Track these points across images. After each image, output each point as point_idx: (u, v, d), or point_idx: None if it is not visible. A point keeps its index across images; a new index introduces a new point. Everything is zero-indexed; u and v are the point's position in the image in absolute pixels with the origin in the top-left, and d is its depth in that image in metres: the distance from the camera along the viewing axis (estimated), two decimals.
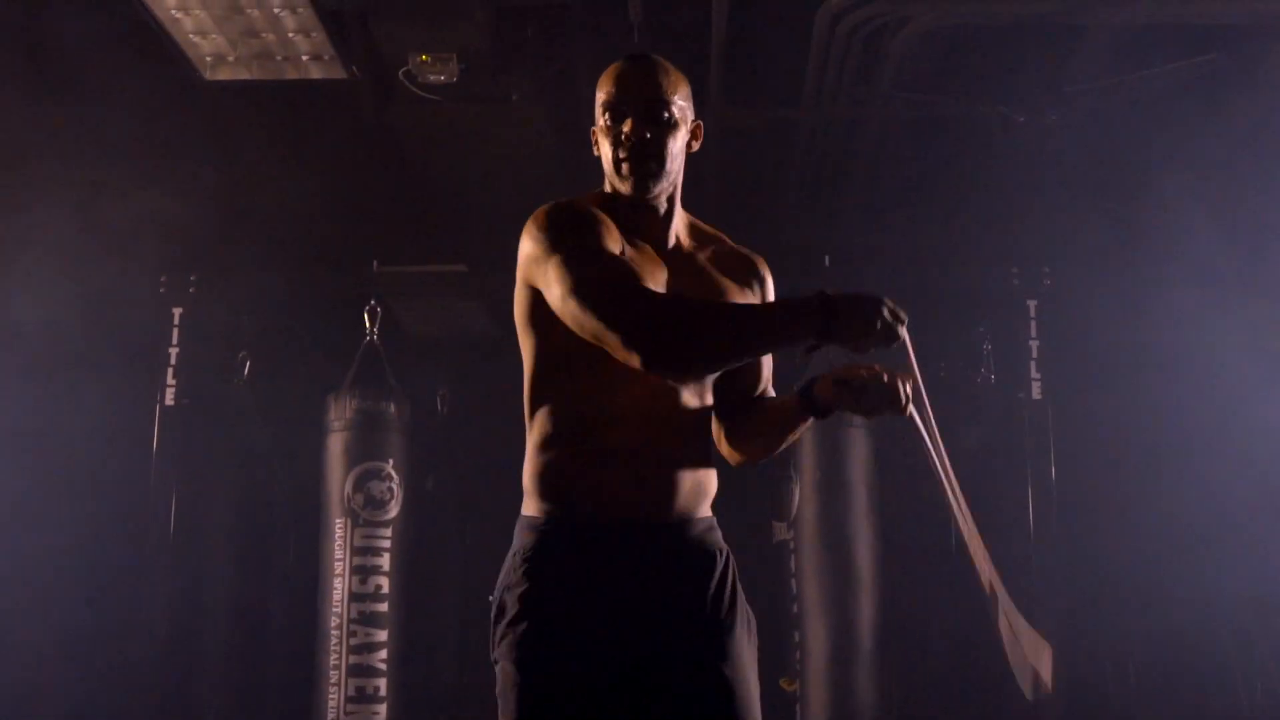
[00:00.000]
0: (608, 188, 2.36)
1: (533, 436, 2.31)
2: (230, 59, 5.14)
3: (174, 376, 6.37)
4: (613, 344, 2.05)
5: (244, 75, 5.23)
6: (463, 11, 5.02)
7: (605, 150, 2.32)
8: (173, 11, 4.77)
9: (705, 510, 2.33)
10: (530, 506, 2.31)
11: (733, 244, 2.49)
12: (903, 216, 6.51)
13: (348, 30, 5.07)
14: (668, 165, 2.28)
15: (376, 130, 5.83)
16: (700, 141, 2.39)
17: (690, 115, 2.35)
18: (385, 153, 6.12)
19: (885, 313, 2.05)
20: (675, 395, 2.27)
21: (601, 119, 2.32)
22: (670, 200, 2.35)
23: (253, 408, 6.57)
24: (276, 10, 4.78)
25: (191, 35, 4.94)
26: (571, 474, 2.25)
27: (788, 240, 6.56)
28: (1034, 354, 6.21)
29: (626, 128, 2.26)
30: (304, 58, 5.15)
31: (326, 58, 5.17)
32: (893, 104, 5.56)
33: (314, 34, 4.97)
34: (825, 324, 2.01)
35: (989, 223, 6.48)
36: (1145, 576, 6.04)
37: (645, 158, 2.26)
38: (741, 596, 2.33)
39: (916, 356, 2.22)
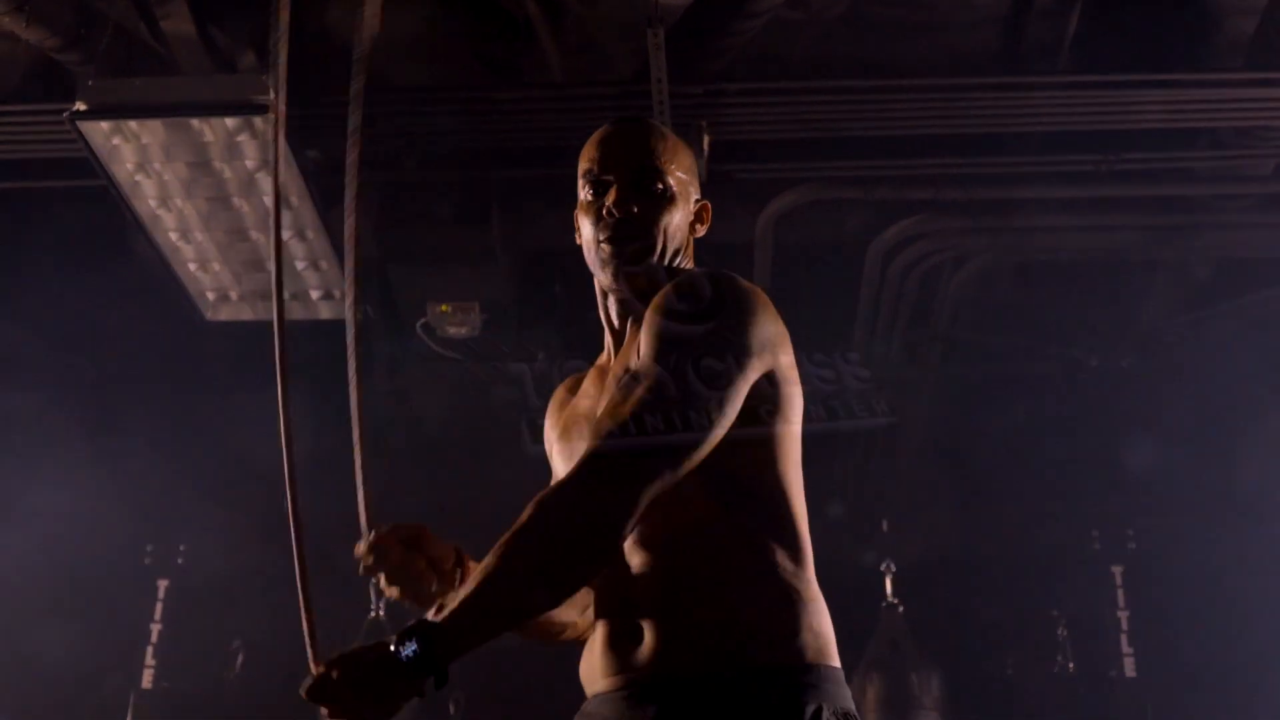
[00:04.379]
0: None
1: None
2: (233, 295, 4.80)
3: (154, 657, 5.89)
4: None
5: (247, 315, 4.90)
6: (487, 258, 4.79)
7: (584, 231, 1.84)
8: (172, 235, 4.43)
9: (656, 667, 1.59)
10: None
11: None
12: (961, 481, 6.08)
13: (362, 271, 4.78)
14: (659, 246, 1.78)
15: (388, 392, 5.57)
16: (707, 226, 1.90)
17: (693, 192, 1.87)
18: (397, 415, 5.81)
19: (390, 692, 1.42)
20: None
21: (582, 193, 1.85)
22: None
23: (240, 695, 5.94)
24: (285, 235, 4.43)
25: (192, 265, 4.60)
26: None
27: (833, 512, 6.01)
28: (1124, 626, 5.70)
29: (609, 200, 1.78)
30: (313, 294, 4.78)
31: (338, 295, 4.80)
32: (950, 358, 5.29)
33: (324, 264, 4.63)
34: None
35: (1062, 483, 5.97)
36: None
37: (629, 237, 1.77)
38: None
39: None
